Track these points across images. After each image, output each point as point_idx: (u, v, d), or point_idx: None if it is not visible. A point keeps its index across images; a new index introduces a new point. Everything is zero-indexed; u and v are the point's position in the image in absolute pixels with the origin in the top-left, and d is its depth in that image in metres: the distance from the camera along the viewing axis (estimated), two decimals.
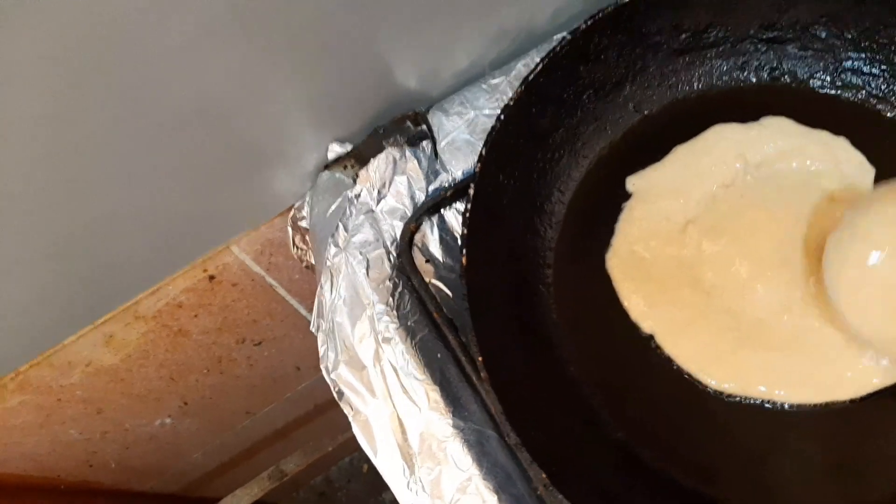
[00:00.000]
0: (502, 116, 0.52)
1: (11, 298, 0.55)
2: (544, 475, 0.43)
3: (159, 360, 0.75)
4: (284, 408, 1.10)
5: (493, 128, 0.52)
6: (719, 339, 0.51)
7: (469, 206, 0.50)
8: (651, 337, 0.53)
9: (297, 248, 0.66)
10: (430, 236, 0.59)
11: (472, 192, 0.50)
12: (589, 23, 0.53)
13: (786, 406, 0.50)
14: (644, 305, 0.53)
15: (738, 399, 0.51)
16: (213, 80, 0.49)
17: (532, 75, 0.53)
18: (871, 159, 0.55)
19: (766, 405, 0.50)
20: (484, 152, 0.51)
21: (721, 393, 0.51)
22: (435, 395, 0.53)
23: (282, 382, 1.02)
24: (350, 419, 0.55)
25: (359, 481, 1.56)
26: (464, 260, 0.49)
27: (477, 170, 0.51)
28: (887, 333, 0.47)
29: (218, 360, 0.83)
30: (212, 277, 0.68)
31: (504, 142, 0.53)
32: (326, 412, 1.17)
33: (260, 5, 0.46)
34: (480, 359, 0.46)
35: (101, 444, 0.83)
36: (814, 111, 0.58)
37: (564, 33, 0.55)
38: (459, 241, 0.52)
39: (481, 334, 0.47)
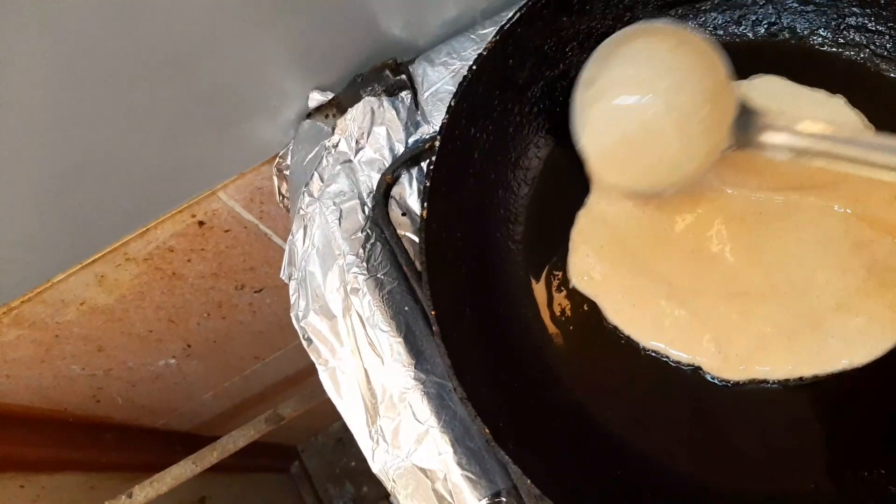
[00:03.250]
0: (475, 67, 0.50)
1: None
2: (487, 430, 0.43)
3: (156, 302, 0.76)
4: (293, 354, 1.12)
5: (464, 78, 0.50)
6: (663, 313, 0.50)
7: (434, 159, 0.49)
8: None
9: (283, 196, 0.66)
10: (408, 189, 0.58)
11: (437, 144, 0.49)
12: None
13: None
14: (588, 269, 0.52)
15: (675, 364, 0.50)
16: (185, 27, 0.49)
17: (508, 25, 0.51)
18: (872, 121, 0.52)
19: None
20: (453, 104, 0.50)
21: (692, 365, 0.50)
22: (398, 346, 0.53)
23: (289, 330, 1.02)
24: (317, 365, 0.55)
25: None
26: (424, 213, 0.48)
27: (445, 122, 0.50)
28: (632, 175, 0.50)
29: (218, 304, 0.85)
30: (201, 223, 0.68)
31: (477, 94, 0.51)
32: None
33: None
34: (433, 312, 0.46)
35: (106, 380, 0.86)
36: (812, 69, 0.55)
37: None
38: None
39: (436, 289, 0.46)
